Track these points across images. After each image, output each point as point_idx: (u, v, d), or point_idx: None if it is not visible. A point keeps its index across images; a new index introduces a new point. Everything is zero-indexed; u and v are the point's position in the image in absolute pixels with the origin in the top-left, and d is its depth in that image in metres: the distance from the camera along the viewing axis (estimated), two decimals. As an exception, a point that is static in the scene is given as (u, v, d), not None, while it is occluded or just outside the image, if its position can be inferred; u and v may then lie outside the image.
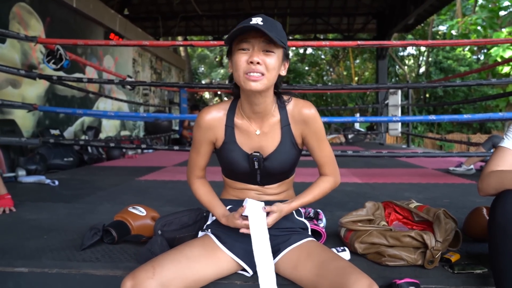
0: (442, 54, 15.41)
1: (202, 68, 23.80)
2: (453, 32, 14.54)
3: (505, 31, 10.90)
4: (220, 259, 1.26)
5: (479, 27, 12.71)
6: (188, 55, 15.47)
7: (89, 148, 5.47)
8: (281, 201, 1.33)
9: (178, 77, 11.59)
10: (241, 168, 1.35)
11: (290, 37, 12.48)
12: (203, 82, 21.37)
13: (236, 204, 1.37)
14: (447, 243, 1.48)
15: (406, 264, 1.43)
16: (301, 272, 1.20)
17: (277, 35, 1.13)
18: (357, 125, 9.41)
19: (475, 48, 16.12)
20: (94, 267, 1.43)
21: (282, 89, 1.35)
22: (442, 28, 17.66)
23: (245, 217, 1.22)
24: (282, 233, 1.34)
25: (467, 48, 16.14)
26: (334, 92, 13.75)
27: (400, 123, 6.99)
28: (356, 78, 18.34)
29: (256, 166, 1.33)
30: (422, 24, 15.39)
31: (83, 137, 6.19)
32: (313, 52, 18.17)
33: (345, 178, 3.67)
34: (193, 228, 1.59)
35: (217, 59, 21.31)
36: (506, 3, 11.95)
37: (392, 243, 1.44)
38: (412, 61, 19.32)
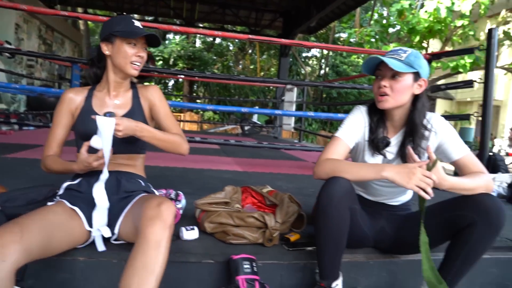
0: (339, 59, 16.71)
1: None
2: (352, 40, 15.84)
3: (391, 45, 12.19)
4: (75, 227, 1.30)
5: (372, 39, 14.03)
6: (89, 29, 14.31)
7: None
8: (131, 174, 1.50)
9: (72, 52, 10.67)
10: (93, 130, 1.35)
11: (200, 25, 12.41)
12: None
13: (86, 177, 1.45)
14: (288, 224, 1.64)
15: (249, 242, 1.56)
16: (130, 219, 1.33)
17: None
18: (255, 118, 9.73)
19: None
20: None
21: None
22: (344, 35, 19.10)
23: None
24: (124, 195, 1.43)
25: (362, 55, 17.72)
26: (238, 84, 14.02)
27: (293, 119, 7.42)
28: (262, 73, 18.92)
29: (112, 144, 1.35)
30: (326, 29, 16.48)
31: None
32: (222, 42, 18.25)
33: (227, 166, 3.80)
34: (42, 205, 1.52)
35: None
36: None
37: (238, 223, 1.56)
38: (315, 62, 20.59)
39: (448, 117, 6.80)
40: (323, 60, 19.64)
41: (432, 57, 3.82)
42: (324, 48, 13.96)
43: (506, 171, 3.65)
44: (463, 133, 4.09)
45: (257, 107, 10.62)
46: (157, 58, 16.10)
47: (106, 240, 1.41)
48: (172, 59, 16.07)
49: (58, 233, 1.22)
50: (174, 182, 2.76)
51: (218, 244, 1.56)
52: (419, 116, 1.43)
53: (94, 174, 1.40)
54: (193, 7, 11.44)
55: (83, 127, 1.48)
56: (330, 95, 15.84)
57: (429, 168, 1.26)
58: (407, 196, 1.62)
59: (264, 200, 1.82)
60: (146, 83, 1.70)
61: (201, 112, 15.43)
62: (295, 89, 7.87)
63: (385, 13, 15.61)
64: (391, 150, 1.50)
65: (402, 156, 1.46)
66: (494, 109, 17.50)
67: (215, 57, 17.53)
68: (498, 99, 15.83)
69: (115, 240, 1.42)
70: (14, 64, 7.40)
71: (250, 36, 3.27)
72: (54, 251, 1.22)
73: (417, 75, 1.39)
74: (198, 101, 16.09)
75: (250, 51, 18.96)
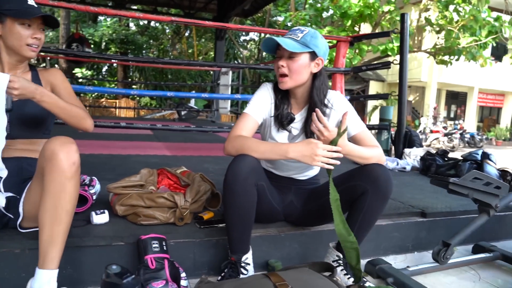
0: (276, 43, 16.87)
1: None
2: (288, 23, 16.05)
3: (326, 29, 12.54)
4: None
5: (308, 23, 14.32)
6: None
7: None
8: (34, 160, 1.38)
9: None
10: None
11: (131, 7, 11.80)
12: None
13: None
14: (200, 202, 1.66)
15: (160, 222, 1.56)
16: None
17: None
18: (192, 103, 9.60)
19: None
20: None
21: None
22: (281, 18, 19.30)
23: None
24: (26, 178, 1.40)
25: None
26: (174, 68, 13.69)
27: (229, 102, 7.41)
28: (200, 58, 18.61)
29: (6, 106, 1.27)
30: (262, 13, 16.53)
31: None
32: (157, 25, 17.59)
33: (156, 151, 3.74)
34: None
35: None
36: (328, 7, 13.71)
37: (149, 204, 1.55)
38: (254, 46, 20.63)
39: (369, 96, 7.19)
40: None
41: (353, 40, 3.99)
42: (248, 30, 14.02)
43: (420, 145, 3.96)
44: (383, 111, 4.36)
45: (194, 92, 10.45)
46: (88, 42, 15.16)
47: (13, 229, 1.37)
48: (104, 43, 15.22)
49: None
50: (97, 169, 2.66)
51: (130, 226, 1.55)
52: (318, 94, 1.49)
53: None
54: (123, -12, 10.88)
55: None
56: (267, 78, 16.03)
57: (339, 134, 1.35)
58: (314, 171, 1.71)
59: (179, 181, 1.82)
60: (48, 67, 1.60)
61: (137, 98, 14.89)
62: (230, 72, 7.86)
63: (319, -3, 16.05)
64: (296, 126, 1.56)
65: (306, 132, 1.53)
66: (419, 90, 18.88)
67: (151, 41, 16.90)
68: (423, 80, 17.01)
69: (22, 228, 1.36)
70: None
71: (173, 18, 3.19)
72: None
73: (313, 54, 1.45)
74: (133, 86, 15.47)
75: (186, 34, 18.51)
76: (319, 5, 14.80)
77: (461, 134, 13.71)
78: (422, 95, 18.44)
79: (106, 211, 1.56)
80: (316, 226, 1.72)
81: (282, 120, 1.53)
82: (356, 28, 13.39)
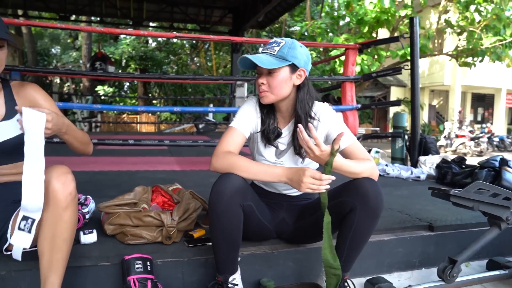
0: (293, 53, 16.84)
1: (58, 49, 21.34)
2: (305, 33, 16.03)
3: (342, 37, 12.43)
4: None
5: (324, 32, 14.26)
6: (32, 33, 13.65)
7: None
8: (19, 183, 1.28)
9: (12, 57, 10.14)
10: None
11: (151, 24, 12.12)
12: (58, 64, 19.20)
13: None
14: (190, 220, 1.62)
15: (147, 241, 1.53)
16: None
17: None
18: (210, 116, 9.66)
19: (321, 49, 18.08)
20: None
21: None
22: (298, 28, 19.32)
23: None
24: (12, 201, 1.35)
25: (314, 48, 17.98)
26: (192, 83, 13.87)
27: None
28: (220, 70, 18.80)
29: None
30: (278, 23, 16.58)
31: None
32: (175, 41, 17.92)
33: (166, 166, 3.75)
34: None
35: (69, 41, 19.36)
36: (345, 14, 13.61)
37: (136, 223, 1.52)
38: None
39: (380, 103, 6.99)
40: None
41: (362, 46, 3.91)
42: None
43: (436, 152, 3.81)
44: (397, 118, 4.23)
45: (211, 105, 10.53)
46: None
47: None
48: (124, 60, 15.63)
49: None
50: (103, 186, 2.69)
51: (118, 246, 1.53)
52: (302, 106, 1.43)
53: None
54: (140, 6, 11.16)
55: None
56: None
57: (333, 154, 1.25)
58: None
59: (172, 199, 1.79)
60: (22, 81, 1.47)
61: (158, 113, 15.16)
62: (245, 84, 7.87)
63: (336, 5, 15.94)
64: (283, 141, 1.51)
65: (294, 146, 1.47)
66: (443, 94, 18.37)
67: (172, 56, 17.19)
68: (446, 84, 16.54)
69: (6, 250, 1.36)
70: None
71: (176, 34, 3.21)
72: None
73: (294, 66, 1.38)
74: (154, 101, 15.77)
75: (206, 47, 18.74)
76: (335, 13, 14.74)
77: (489, 138, 13.16)
78: (446, 99, 17.92)
79: (95, 231, 1.55)
80: (307, 243, 1.64)
81: (269, 135, 1.48)
82: (374, 34, 13.24)
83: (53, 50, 20.91)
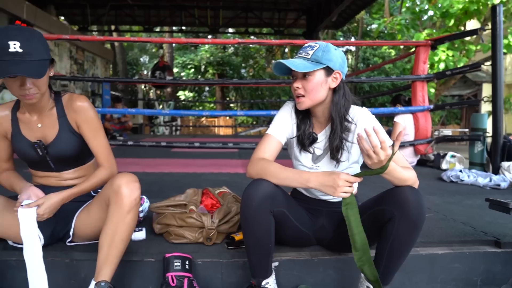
0: (369, 51, 16.24)
1: (146, 58, 23.24)
2: (385, 31, 15.32)
3: (425, 32, 11.66)
4: (11, 221, 1.41)
5: (404, 28, 13.48)
6: (123, 45, 15.03)
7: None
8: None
9: (104, 68, 11.26)
10: (30, 156, 1.50)
11: (225, 31, 12.63)
12: (144, 72, 20.91)
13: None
14: (232, 223, 1.67)
15: (189, 241, 1.60)
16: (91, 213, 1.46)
17: (36, 67, 1.26)
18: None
19: (401, 47, 17.12)
20: None
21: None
22: (375, 26, 18.54)
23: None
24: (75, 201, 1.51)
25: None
26: (268, 86, 14.07)
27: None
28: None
29: (40, 153, 1.48)
30: (355, 22, 16.08)
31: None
32: (252, 45, 18.35)
33: (230, 169, 3.86)
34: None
35: (154, 50, 20.91)
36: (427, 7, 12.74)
37: (180, 223, 1.61)
38: (350, 56, 20.13)
39: (456, 104, 6.38)
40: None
41: (434, 43, 3.64)
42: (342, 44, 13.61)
43: (523, 157, 3.39)
44: (475, 119, 3.85)
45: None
46: (189, 66, 16.55)
47: (62, 242, 1.56)
48: (203, 66, 16.44)
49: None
50: (166, 187, 2.86)
51: (163, 244, 1.63)
52: (337, 109, 1.39)
53: (44, 188, 1.49)
54: (216, 14, 11.68)
55: (18, 153, 1.51)
56: (362, 89, 15.44)
57: (391, 157, 1.20)
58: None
59: (220, 201, 1.85)
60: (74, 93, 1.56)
61: (235, 116, 15.68)
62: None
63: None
64: (319, 146, 1.48)
65: (332, 151, 1.44)
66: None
67: (250, 60, 17.61)
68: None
69: (70, 241, 1.54)
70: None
71: (239, 40, 3.31)
72: None
73: (329, 69, 1.36)
74: (231, 105, 16.32)
75: (286, 49, 18.85)
76: (416, 8, 13.86)
77: None
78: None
79: (144, 229, 1.67)
80: (347, 252, 1.58)
81: (304, 141, 1.46)
82: (462, 28, 12.17)
83: (141, 59, 22.77)
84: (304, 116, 1.48)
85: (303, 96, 1.38)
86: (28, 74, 1.24)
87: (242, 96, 16.10)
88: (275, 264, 1.51)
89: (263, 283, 1.39)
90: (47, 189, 1.49)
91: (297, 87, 1.38)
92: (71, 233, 1.52)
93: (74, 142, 1.49)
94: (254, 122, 14.96)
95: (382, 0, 13.88)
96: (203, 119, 16.05)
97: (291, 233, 1.49)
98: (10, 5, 6.30)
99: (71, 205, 1.51)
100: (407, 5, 14.99)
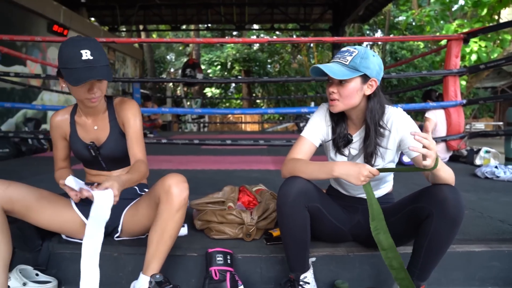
0: (397, 45, 15.91)
1: (172, 56, 23.62)
2: (413, 23, 14.96)
3: (455, 23, 11.32)
4: (69, 215, 1.54)
5: (433, 19, 13.11)
6: (150, 44, 15.36)
7: (29, 139, 5.53)
8: None
9: (134, 67, 11.57)
10: (84, 156, 1.64)
11: (251, 27, 12.65)
12: (172, 70, 21.28)
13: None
14: (270, 220, 1.73)
15: (229, 237, 1.68)
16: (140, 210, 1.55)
17: (105, 70, 1.40)
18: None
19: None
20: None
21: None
22: (403, 18, 18.12)
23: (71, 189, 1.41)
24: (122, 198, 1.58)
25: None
26: (295, 82, 14.05)
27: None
28: (321, 67, 18.63)
29: (93, 154, 1.61)
30: (382, 15, 15.77)
31: (24, 129, 6.20)
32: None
33: (261, 165, 3.93)
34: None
35: (180, 48, 21.21)
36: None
37: (220, 220, 1.69)
38: (377, 50, 19.79)
39: (490, 98, 6.13)
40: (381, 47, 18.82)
41: (467, 36, 3.56)
42: (353, 41, 13.38)
43: None
44: (511, 114, 3.75)
45: (313, 103, 10.55)
46: (216, 63, 16.74)
47: (110, 237, 1.66)
48: (229, 63, 16.58)
49: (49, 209, 1.49)
50: (200, 184, 2.95)
51: (204, 239, 1.71)
52: (372, 116, 1.42)
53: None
54: (242, 11, 11.75)
55: (75, 153, 1.65)
56: (390, 83, 15.15)
57: (436, 165, 1.20)
58: (386, 189, 1.62)
59: (256, 199, 1.92)
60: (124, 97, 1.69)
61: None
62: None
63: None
64: (355, 146, 1.52)
65: (366, 151, 1.47)
66: None
67: (275, 56, 17.64)
68: None
69: (118, 237, 1.65)
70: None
71: (269, 39, 3.35)
72: (42, 222, 1.50)
73: (365, 77, 1.38)
74: (258, 101, 16.39)
75: (311, 44, 18.75)
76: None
77: None
78: None
79: (185, 225, 1.76)
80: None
81: (339, 142, 1.51)
82: (496, 17, 11.73)
83: (168, 57, 23.16)
84: (339, 118, 1.52)
85: (338, 100, 1.42)
86: (105, 78, 1.39)
87: (268, 92, 16.16)
88: (312, 259, 1.56)
89: (301, 277, 1.44)
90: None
91: (333, 92, 1.42)
92: (119, 228, 1.63)
93: (123, 143, 1.60)
94: (281, 118, 14.98)
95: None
96: (229, 115, 16.21)
97: (327, 228, 1.53)
98: (49, 10, 6.64)
99: (119, 202, 1.61)
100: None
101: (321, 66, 1.38)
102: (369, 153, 1.44)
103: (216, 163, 4.13)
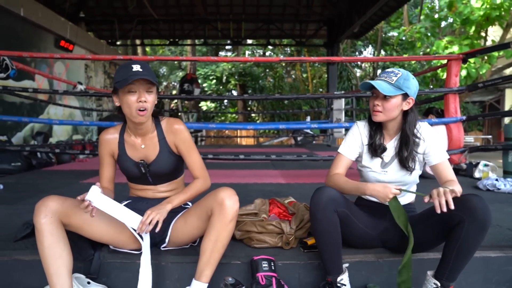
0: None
1: (164, 70, 23.77)
2: (403, 38, 15.41)
3: (445, 39, 11.74)
4: (120, 230, 1.66)
5: (424, 36, 13.56)
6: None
7: (38, 153, 5.61)
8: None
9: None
10: (133, 173, 1.76)
11: (248, 42, 12.94)
12: (164, 83, 21.41)
13: (134, 200, 1.79)
14: (304, 229, 1.89)
15: (269, 246, 1.83)
16: (188, 218, 1.69)
17: (153, 77, 1.57)
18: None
19: (421, 53, 17.15)
20: (23, 254, 1.75)
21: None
22: (395, 33, 18.63)
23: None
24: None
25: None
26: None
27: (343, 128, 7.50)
28: (314, 81, 19.03)
29: (143, 171, 1.73)
30: (374, 30, 16.21)
31: (32, 143, 6.29)
32: (271, 55, 18.69)
33: (272, 179, 4.08)
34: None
35: (175, 62, 21.39)
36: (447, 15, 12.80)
37: (260, 230, 1.84)
38: (367, 65, 20.23)
39: (490, 114, 6.45)
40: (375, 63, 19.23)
41: (466, 57, 3.81)
42: (358, 60, 13.76)
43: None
44: (508, 129, 3.99)
45: (308, 118, 10.79)
46: (211, 77, 16.97)
47: (157, 247, 1.79)
48: (224, 77, 16.82)
49: (102, 224, 1.62)
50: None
51: (245, 248, 1.85)
52: (409, 127, 1.69)
53: (138, 200, 1.76)
54: (239, 27, 12.03)
55: (123, 170, 1.76)
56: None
57: None
58: (408, 198, 1.81)
59: (287, 210, 2.08)
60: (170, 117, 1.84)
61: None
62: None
63: (436, 6, 15.05)
64: (387, 154, 1.76)
65: (400, 158, 1.71)
66: None
67: (267, 70, 18.00)
68: None
69: (164, 247, 1.77)
70: (85, 99, 8.42)
71: (281, 58, 3.55)
72: (94, 235, 1.63)
73: (405, 95, 1.64)
74: (253, 115, 16.60)
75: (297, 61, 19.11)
76: (436, 15, 13.93)
77: None
78: None
79: (227, 236, 1.90)
80: (415, 253, 1.78)
81: (376, 149, 1.73)
82: (483, 33, 12.18)
83: (160, 70, 23.30)
84: (377, 128, 1.76)
85: (381, 112, 1.66)
86: (151, 79, 1.54)
87: (263, 106, 16.40)
88: (345, 265, 1.71)
89: (338, 279, 1.60)
90: (144, 201, 1.75)
91: (377, 104, 1.66)
92: (167, 240, 1.75)
93: (171, 160, 1.74)
94: (276, 132, 15.19)
95: (401, 9, 14.03)
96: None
97: (355, 233, 1.72)
98: (56, 26, 6.82)
99: (168, 214, 1.75)
100: (426, 12, 15.07)
101: (373, 82, 1.62)
102: (406, 158, 1.68)
103: (226, 177, 4.26)
